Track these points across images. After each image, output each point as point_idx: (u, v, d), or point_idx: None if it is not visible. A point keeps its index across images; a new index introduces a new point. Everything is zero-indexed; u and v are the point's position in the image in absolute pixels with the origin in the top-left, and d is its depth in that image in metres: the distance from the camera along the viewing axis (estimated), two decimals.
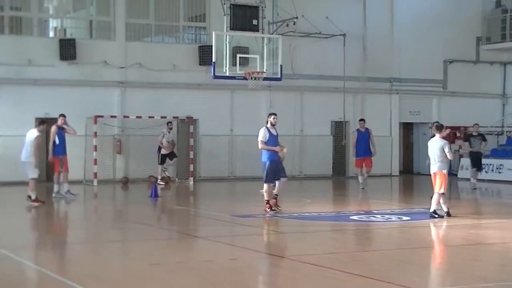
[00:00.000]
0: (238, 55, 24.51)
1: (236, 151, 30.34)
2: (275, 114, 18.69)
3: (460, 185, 27.68)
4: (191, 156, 28.63)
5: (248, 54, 25.63)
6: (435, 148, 17.67)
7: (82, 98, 27.94)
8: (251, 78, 24.60)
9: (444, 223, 17.07)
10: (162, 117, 28.11)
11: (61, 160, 21.97)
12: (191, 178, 28.29)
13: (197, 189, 26.79)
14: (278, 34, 27.16)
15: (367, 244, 14.92)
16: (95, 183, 26.77)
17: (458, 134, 32.17)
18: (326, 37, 31.19)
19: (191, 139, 28.78)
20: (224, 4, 25.02)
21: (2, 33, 27.87)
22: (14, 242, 14.58)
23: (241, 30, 24.88)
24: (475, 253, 13.49)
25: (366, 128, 25.82)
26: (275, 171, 18.31)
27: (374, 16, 32.50)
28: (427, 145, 18.22)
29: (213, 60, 24.22)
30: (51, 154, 21.92)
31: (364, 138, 25.67)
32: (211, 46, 24.88)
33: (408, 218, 17.91)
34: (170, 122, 27.74)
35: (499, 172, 29.70)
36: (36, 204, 19.97)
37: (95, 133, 27.17)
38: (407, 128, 35.01)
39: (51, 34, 29.69)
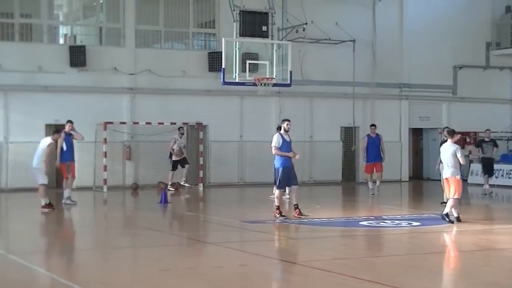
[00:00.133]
0: (248, 61, 24.49)
1: (246, 157, 30.34)
2: (289, 120, 18.68)
3: (470, 190, 27.59)
4: (201, 162, 28.64)
5: (257, 60, 25.62)
6: (448, 153, 17.65)
7: (92, 105, 28.00)
8: (261, 84, 24.59)
9: (455, 228, 17.03)
10: (171, 123, 28.14)
11: (69, 166, 21.95)
12: (201, 184, 28.28)
13: (207, 195, 26.79)
14: (288, 40, 27.17)
15: (377, 249, 14.89)
16: (105, 189, 26.80)
17: (468, 140, 32.08)
18: (336, 43, 31.19)
19: (201, 145, 28.79)
20: (234, 10, 25.05)
21: (13, 40, 27.95)
22: (24, 247, 14.63)
23: (251, 36, 24.88)
24: (486, 259, 13.44)
25: (377, 134, 25.78)
26: (288, 178, 18.31)
27: (383, 22, 32.48)
28: (436, 150, 18.27)
29: (223, 66, 24.21)
30: (59, 160, 21.94)
31: (375, 143, 25.63)
32: (221, 52, 24.90)
33: (418, 223, 17.86)
34: (182, 127, 27.71)
35: (509, 177, 29.62)
36: (46, 210, 20.01)
37: (105, 139, 27.20)
38: (416, 134, 34.95)
39: (61, 41, 29.75)
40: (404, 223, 17.83)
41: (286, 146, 18.33)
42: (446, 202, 20.26)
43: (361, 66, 31.74)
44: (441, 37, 33.60)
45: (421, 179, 34.26)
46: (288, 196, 20.93)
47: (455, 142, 18.12)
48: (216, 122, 29.90)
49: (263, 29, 25.13)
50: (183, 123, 28.06)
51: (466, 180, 29.66)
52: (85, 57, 27.95)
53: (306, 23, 28.90)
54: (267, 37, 25.31)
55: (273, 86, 25.17)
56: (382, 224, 17.74)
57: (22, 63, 27.49)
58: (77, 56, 27.83)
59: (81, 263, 13.15)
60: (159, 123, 28.08)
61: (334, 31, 30.90)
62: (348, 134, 32.40)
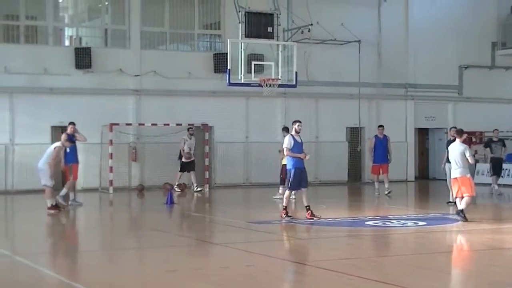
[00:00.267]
0: (253, 62, 24.49)
1: (252, 158, 30.35)
2: (300, 122, 18.68)
3: (477, 190, 27.45)
4: (207, 163, 28.66)
5: (263, 61, 25.62)
6: (456, 152, 17.65)
7: (97, 106, 28.03)
8: (266, 85, 24.60)
9: (461, 228, 17.01)
10: (177, 124, 28.17)
11: (71, 167, 21.90)
12: (207, 185, 28.29)
13: (213, 196, 26.80)
14: (293, 41, 27.15)
15: (383, 249, 14.88)
16: (111, 190, 26.82)
17: (473, 140, 32.03)
18: (341, 44, 31.17)
19: (207, 146, 28.81)
20: (239, 11, 25.05)
21: (18, 42, 27.99)
22: (30, 249, 14.65)
23: (256, 37, 24.88)
24: (493, 258, 13.42)
25: (385, 135, 25.76)
26: (300, 180, 18.31)
27: (389, 22, 32.46)
28: (442, 150, 18.24)
29: (228, 68, 24.22)
30: (63, 163, 21.92)
31: (382, 144, 25.61)
32: (226, 53, 24.93)
33: (424, 223, 17.85)
34: (191, 128, 27.66)
35: None
36: (52, 211, 20.03)
37: (111, 141, 27.22)
38: (422, 134, 34.93)
39: (67, 43, 29.79)
40: (410, 223, 17.82)
41: (297, 147, 18.33)
42: (452, 202, 20.34)
43: (367, 67, 31.72)
44: (447, 37, 33.58)
45: (427, 179, 34.23)
46: (293, 197, 20.92)
47: (463, 142, 18.13)
48: (222, 123, 29.92)
49: (269, 30, 25.13)
50: (189, 124, 28.06)
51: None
52: (91, 59, 27.98)
53: (312, 24, 28.89)
54: (272, 38, 25.30)
55: (278, 87, 25.17)
56: (388, 224, 17.73)
57: (28, 65, 27.53)
58: (83, 58, 27.87)
59: (87, 265, 13.16)
60: (164, 125, 28.12)
61: (340, 32, 30.89)
62: (354, 134, 32.39)
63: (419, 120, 33.81)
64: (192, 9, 30.19)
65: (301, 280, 11.65)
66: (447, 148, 20.25)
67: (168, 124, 28.12)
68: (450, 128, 22.17)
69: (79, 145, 22.65)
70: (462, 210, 17.56)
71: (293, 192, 18.95)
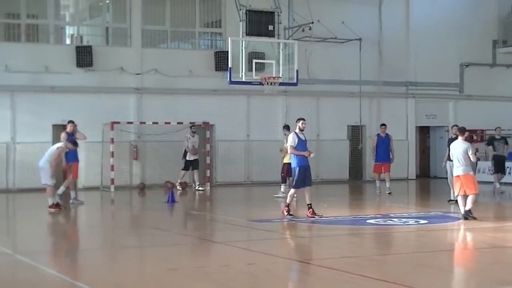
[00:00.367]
0: (254, 61, 24.50)
1: (253, 156, 30.35)
2: (304, 119, 18.64)
3: (479, 188, 27.45)
4: (208, 162, 28.66)
5: (264, 59, 25.61)
6: (459, 150, 17.64)
7: (98, 105, 28.04)
8: (267, 84, 24.60)
9: (462, 226, 17.01)
10: (178, 123, 28.18)
11: (70, 166, 21.83)
12: (208, 184, 28.30)
13: (214, 195, 26.81)
14: (294, 39, 27.18)
15: (384, 247, 14.88)
16: (112, 189, 26.84)
17: (474, 138, 32.02)
18: (342, 42, 31.17)
19: (207, 145, 28.82)
20: (240, 10, 25.04)
21: (19, 40, 28.00)
22: (32, 247, 14.66)
23: (257, 35, 24.88)
24: (495, 257, 13.41)
25: (387, 134, 25.74)
26: (304, 178, 18.29)
27: (389, 21, 32.46)
28: (443, 148, 18.29)
29: (229, 66, 24.21)
30: (64, 162, 21.89)
31: (384, 143, 25.60)
32: (227, 51, 24.91)
33: (426, 221, 17.86)
34: (194, 126, 27.65)
35: None
36: (52, 210, 20.02)
37: (112, 139, 27.23)
38: (423, 132, 34.92)
39: (68, 41, 29.80)
40: (411, 221, 17.82)
41: (301, 145, 18.32)
42: (453, 200, 20.34)
43: (368, 65, 31.72)
44: (448, 35, 33.56)
45: (428, 177, 34.22)
46: (295, 195, 20.88)
47: (465, 140, 18.13)
48: (223, 122, 29.92)
49: (269, 28, 25.12)
50: (190, 123, 28.06)
51: None
52: (92, 57, 27.99)
53: (312, 22, 28.90)
54: (273, 36, 25.29)
55: (279, 85, 25.16)
56: (389, 222, 17.72)
57: (29, 63, 27.54)
58: (84, 56, 27.88)
59: (88, 263, 13.16)
60: (165, 123, 28.12)
61: (341, 30, 30.89)
62: (355, 132, 32.40)
63: (420, 118, 33.81)
64: (193, 7, 30.19)
65: (303, 279, 11.65)
66: (448, 146, 20.25)
67: (169, 123, 28.12)
68: (452, 126, 22.14)
69: (79, 143, 22.62)
70: (469, 210, 17.56)
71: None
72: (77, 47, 28.13)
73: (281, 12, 26.15)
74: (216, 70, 29.49)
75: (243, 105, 30.46)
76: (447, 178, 21.65)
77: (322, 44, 30.87)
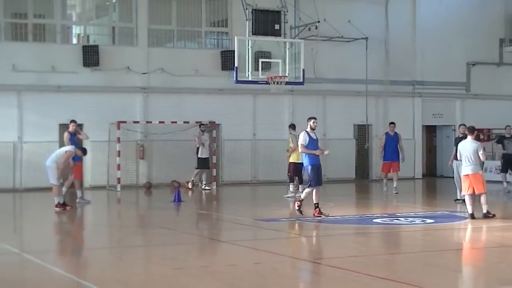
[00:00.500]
0: (260, 60, 24.51)
1: (259, 156, 30.34)
2: (315, 118, 18.61)
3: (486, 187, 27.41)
4: (214, 161, 28.66)
5: (270, 58, 25.64)
6: (469, 150, 17.61)
7: (105, 104, 28.06)
8: (274, 83, 24.59)
9: (469, 225, 16.99)
10: (184, 122, 28.19)
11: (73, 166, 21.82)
12: (214, 183, 28.30)
13: (220, 194, 26.81)
14: (300, 39, 27.18)
15: (391, 247, 14.86)
16: (119, 188, 26.86)
17: (481, 137, 31.96)
18: (348, 41, 31.14)
19: (214, 144, 28.82)
20: (246, 9, 25.04)
21: (26, 40, 28.04)
22: (39, 246, 14.67)
23: (263, 35, 24.88)
24: (502, 256, 13.39)
25: (395, 133, 25.66)
26: (318, 176, 18.26)
27: (396, 19, 32.40)
28: (450, 148, 18.26)
29: (236, 65, 24.21)
30: (72, 164, 21.81)
31: (393, 142, 25.51)
32: (233, 51, 24.91)
33: (432, 221, 17.83)
34: (203, 124, 27.68)
35: None
36: (58, 209, 20.04)
37: (118, 138, 27.25)
38: (430, 131, 34.87)
39: (74, 41, 29.83)
40: (418, 221, 17.79)
41: (312, 144, 18.29)
42: (460, 200, 20.33)
43: (374, 64, 31.68)
44: (454, 34, 33.50)
45: (435, 176, 34.17)
46: (298, 194, 20.91)
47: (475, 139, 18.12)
48: (229, 121, 29.92)
49: (276, 28, 25.11)
50: (196, 122, 28.07)
51: None
52: (98, 57, 28.02)
53: (319, 21, 28.89)
54: (279, 35, 25.28)
55: (286, 84, 25.14)
56: (396, 221, 17.70)
57: (36, 63, 27.57)
58: (90, 55, 27.91)
59: (95, 262, 13.18)
60: (172, 122, 28.13)
61: (347, 29, 30.85)
62: (361, 131, 32.37)
63: (426, 117, 33.75)
64: (199, 6, 30.19)
65: (309, 278, 11.65)
66: (455, 145, 20.22)
67: (175, 122, 28.13)
68: (459, 126, 22.10)
69: (85, 143, 22.61)
70: (487, 212, 17.56)
71: (300, 189, 18.89)
72: (84, 47, 28.15)
73: (287, 11, 26.12)
74: (222, 69, 29.48)
75: (249, 104, 30.45)
76: (453, 177, 21.61)
77: (329, 43, 30.84)
